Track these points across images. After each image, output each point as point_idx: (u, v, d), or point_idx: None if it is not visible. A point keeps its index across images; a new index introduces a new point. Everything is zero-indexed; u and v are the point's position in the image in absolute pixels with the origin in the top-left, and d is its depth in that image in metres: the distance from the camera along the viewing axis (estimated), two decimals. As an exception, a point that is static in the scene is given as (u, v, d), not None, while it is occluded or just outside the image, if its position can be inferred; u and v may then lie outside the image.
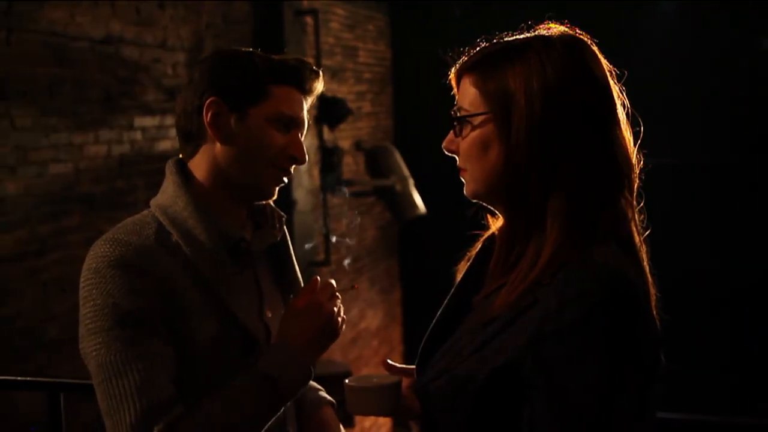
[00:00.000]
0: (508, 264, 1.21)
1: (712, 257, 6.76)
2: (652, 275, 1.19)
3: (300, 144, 1.43)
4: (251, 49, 1.45)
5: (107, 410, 1.26)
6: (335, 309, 1.40)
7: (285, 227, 1.55)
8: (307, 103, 1.46)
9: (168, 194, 1.40)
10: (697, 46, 6.84)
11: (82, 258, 1.34)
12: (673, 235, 6.14)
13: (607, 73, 1.20)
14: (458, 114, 1.22)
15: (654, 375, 1.10)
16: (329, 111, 5.74)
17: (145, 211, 1.41)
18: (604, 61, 1.20)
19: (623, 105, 1.21)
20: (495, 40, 1.23)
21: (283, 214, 1.55)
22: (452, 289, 1.33)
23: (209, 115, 1.37)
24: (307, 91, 1.45)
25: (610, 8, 6.59)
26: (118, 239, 1.32)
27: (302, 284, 1.58)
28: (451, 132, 1.24)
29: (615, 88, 1.20)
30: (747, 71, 6.83)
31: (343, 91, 6.45)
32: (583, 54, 1.18)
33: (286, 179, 1.44)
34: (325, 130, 5.85)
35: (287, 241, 1.57)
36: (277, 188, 1.45)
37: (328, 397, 1.61)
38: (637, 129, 1.23)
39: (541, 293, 1.10)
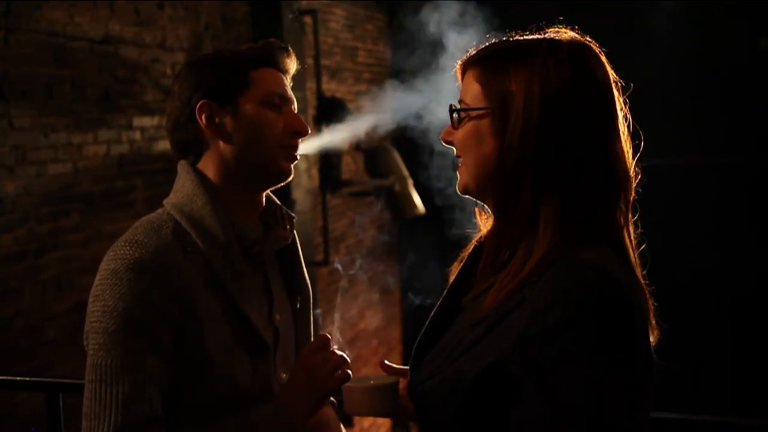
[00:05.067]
0: (497, 264, 1.20)
1: (712, 257, 6.76)
2: (648, 287, 1.17)
3: (297, 117, 1.45)
4: (217, 50, 1.49)
5: (88, 412, 1.26)
6: (331, 369, 1.40)
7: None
8: (288, 81, 1.48)
9: (185, 193, 1.40)
10: (697, 45, 6.84)
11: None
12: (674, 235, 6.14)
13: (612, 84, 1.19)
14: (458, 106, 1.22)
15: (645, 375, 1.08)
16: (328, 111, 5.74)
17: (159, 210, 1.42)
18: (610, 72, 1.19)
19: (625, 117, 1.20)
20: (504, 38, 1.23)
21: (293, 215, 1.56)
22: (445, 291, 1.32)
23: (203, 117, 1.39)
24: (283, 69, 1.47)
25: (610, 8, 6.59)
26: (138, 241, 1.32)
27: (310, 287, 1.60)
28: (450, 124, 1.24)
29: (619, 100, 1.19)
30: (747, 71, 6.83)
31: (342, 91, 6.45)
32: (589, 63, 1.17)
33: (297, 155, 1.46)
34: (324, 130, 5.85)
35: (296, 243, 1.58)
36: (293, 165, 1.46)
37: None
38: (638, 142, 1.22)
39: (528, 292, 1.10)
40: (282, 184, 1.48)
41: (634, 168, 1.20)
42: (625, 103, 1.21)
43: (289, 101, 1.46)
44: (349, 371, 1.43)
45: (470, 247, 1.33)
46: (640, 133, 1.23)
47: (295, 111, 1.48)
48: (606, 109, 1.17)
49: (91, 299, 1.32)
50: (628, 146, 1.20)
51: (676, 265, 6.44)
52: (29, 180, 3.35)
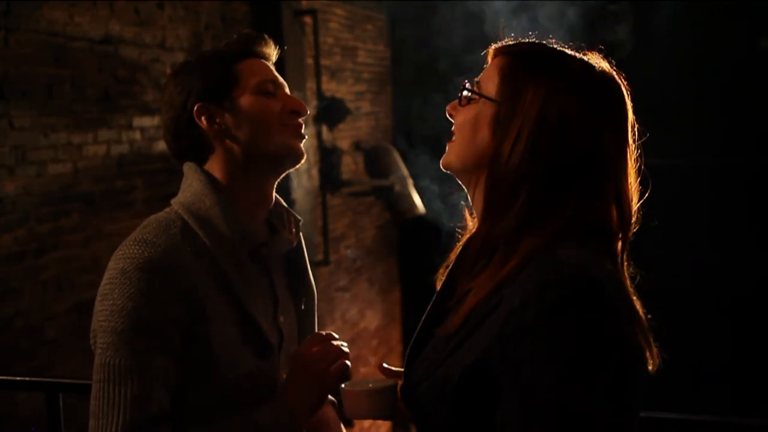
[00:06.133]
0: (479, 266, 1.19)
1: (712, 257, 6.76)
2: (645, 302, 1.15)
3: (293, 98, 1.47)
4: (198, 53, 1.51)
5: (96, 411, 1.26)
6: (329, 363, 1.42)
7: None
8: (271, 67, 1.49)
9: (193, 192, 1.40)
10: (697, 45, 6.84)
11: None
12: (674, 235, 6.14)
13: (629, 126, 1.18)
14: (472, 86, 1.21)
15: (630, 369, 1.05)
16: (328, 111, 5.74)
17: (167, 209, 1.42)
18: (630, 114, 1.18)
19: (636, 160, 1.19)
20: (542, 41, 1.22)
21: (299, 218, 1.56)
22: (433, 296, 1.31)
23: (204, 120, 1.40)
24: (264, 56, 1.48)
25: (610, 8, 6.59)
26: (147, 240, 1.32)
27: (315, 290, 1.60)
28: (457, 99, 1.24)
29: (631, 144, 1.18)
30: (747, 71, 6.83)
31: (342, 91, 6.45)
32: (614, 98, 1.16)
33: (303, 132, 1.46)
34: (324, 130, 5.85)
35: (302, 246, 1.58)
36: (302, 143, 1.46)
37: (329, 397, 1.62)
38: (644, 188, 1.20)
39: (506, 291, 1.09)
40: (295, 167, 1.48)
41: (636, 212, 1.19)
42: (638, 146, 1.19)
43: (281, 86, 1.47)
44: (348, 362, 1.43)
45: (457, 249, 1.32)
46: (649, 180, 1.21)
47: (289, 94, 1.49)
48: (619, 146, 1.16)
49: (99, 298, 1.32)
50: (636, 189, 1.19)
51: (676, 265, 6.44)
52: (29, 180, 3.35)
